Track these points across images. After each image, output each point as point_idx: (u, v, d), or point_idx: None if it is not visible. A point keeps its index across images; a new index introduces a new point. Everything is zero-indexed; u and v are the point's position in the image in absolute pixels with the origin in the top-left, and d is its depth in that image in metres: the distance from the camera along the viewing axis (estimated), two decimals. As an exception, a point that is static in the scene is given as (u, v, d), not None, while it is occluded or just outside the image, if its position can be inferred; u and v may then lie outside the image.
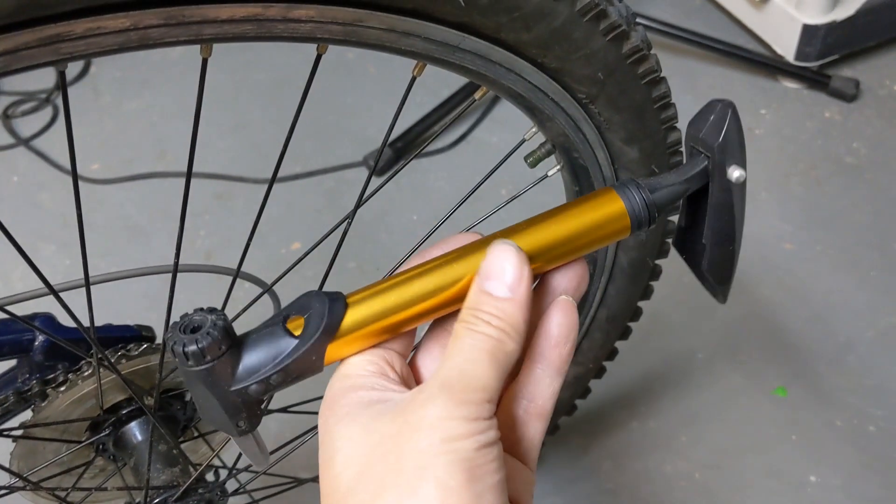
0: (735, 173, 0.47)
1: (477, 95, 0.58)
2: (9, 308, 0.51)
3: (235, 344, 0.40)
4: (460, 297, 0.42)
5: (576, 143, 0.60)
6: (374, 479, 0.35)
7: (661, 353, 1.30)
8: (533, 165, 0.64)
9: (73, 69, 1.95)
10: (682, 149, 0.67)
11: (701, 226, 0.50)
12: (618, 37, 0.52)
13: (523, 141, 0.62)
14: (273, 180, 0.54)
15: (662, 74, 0.59)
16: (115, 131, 1.80)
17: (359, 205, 0.59)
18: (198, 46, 0.41)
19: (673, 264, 0.82)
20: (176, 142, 1.75)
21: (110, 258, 1.48)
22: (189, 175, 0.45)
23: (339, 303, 0.41)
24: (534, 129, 0.62)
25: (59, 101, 1.87)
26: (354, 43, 0.44)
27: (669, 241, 0.78)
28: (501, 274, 0.40)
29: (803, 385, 1.25)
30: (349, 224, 0.62)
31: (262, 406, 0.43)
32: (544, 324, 0.45)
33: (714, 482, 1.15)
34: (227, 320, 0.39)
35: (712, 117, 0.48)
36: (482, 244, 0.43)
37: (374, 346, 0.42)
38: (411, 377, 0.44)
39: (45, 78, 1.92)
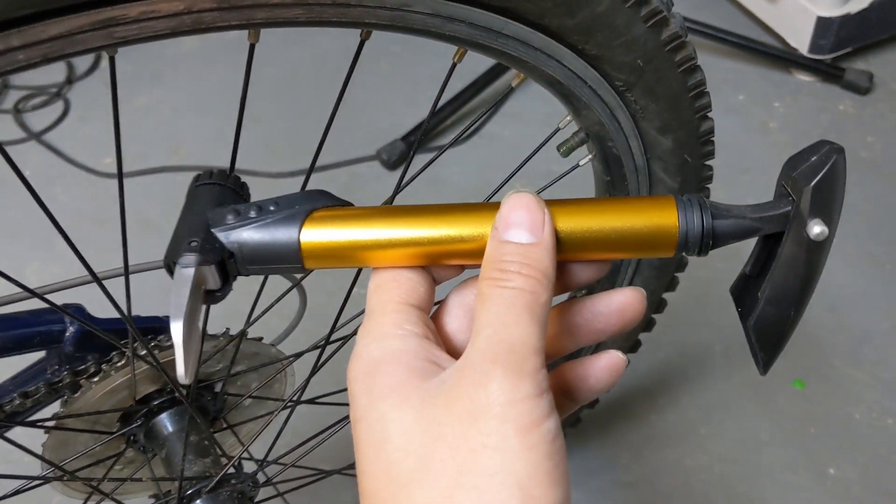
0: (815, 229, 0.40)
1: (514, 83, 0.57)
2: (45, 295, 0.51)
3: (234, 187, 0.41)
4: (472, 249, 0.40)
5: (610, 132, 0.60)
6: (445, 476, 0.33)
7: (679, 346, 1.30)
8: (566, 154, 0.64)
9: (83, 64, 1.94)
10: (714, 138, 0.68)
11: (764, 277, 0.44)
12: (658, 23, 0.52)
13: (558, 129, 0.61)
14: (310, 172, 0.54)
15: (698, 62, 0.59)
16: (127, 126, 1.80)
17: (393, 198, 0.59)
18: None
19: (691, 259, 0.82)
20: (190, 136, 1.75)
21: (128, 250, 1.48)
22: (234, 157, 0.45)
23: (324, 198, 0.42)
24: (568, 118, 0.61)
25: (70, 95, 1.87)
26: (400, 28, 0.44)
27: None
28: (521, 220, 0.38)
29: (821, 378, 1.25)
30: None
31: (229, 275, 0.40)
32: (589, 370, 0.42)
33: (732, 475, 1.15)
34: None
35: (814, 158, 0.42)
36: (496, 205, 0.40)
37: (397, 301, 0.39)
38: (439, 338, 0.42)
39: (56, 72, 1.92)
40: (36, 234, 1.49)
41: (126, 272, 0.49)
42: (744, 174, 1.55)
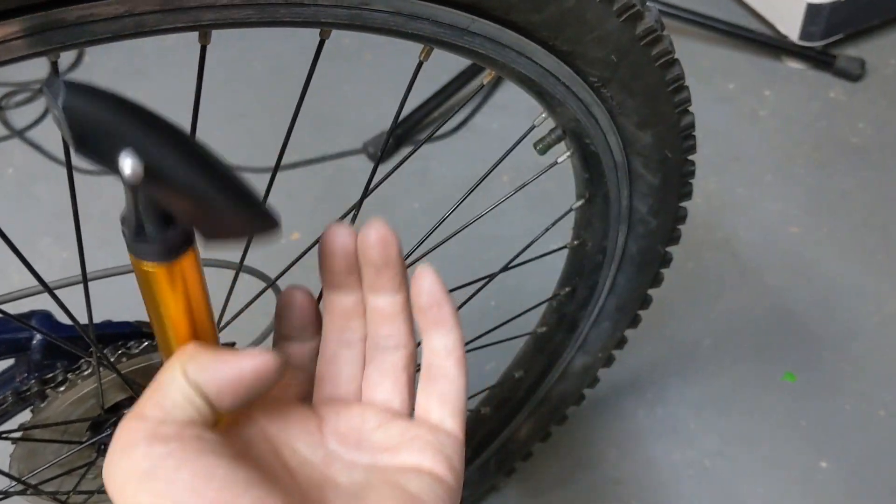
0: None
1: (484, 80, 0.56)
2: (3, 307, 0.49)
3: None
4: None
5: (587, 129, 0.58)
6: None
7: (668, 341, 1.29)
8: (543, 152, 0.62)
9: (66, 59, 1.92)
10: (695, 133, 0.66)
11: None
12: (631, 17, 0.50)
13: (533, 127, 0.60)
14: (276, 170, 0.52)
15: (676, 56, 0.57)
16: (110, 121, 1.77)
17: (365, 195, 0.58)
18: (195, 34, 0.39)
19: (679, 250, 0.80)
20: (172, 131, 1.73)
21: (107, 249, 1.46)
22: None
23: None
24: (543, 115, 0.60)
25: (53, 92, 1.84)
26: (359, 27, 0.42)
27: (680, 227, 0.77)
28: None
29: (811, 371, 1.24)
30: (356, 215, 0.60)
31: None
32: None
33: (723, 470, 1.14)
34: None
35: None
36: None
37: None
38: None
39: (38, 69, 1.89)
40: (17, 233, 1.47)
41: (84, 279, 0.47)
42: (734, 162, 1.54)
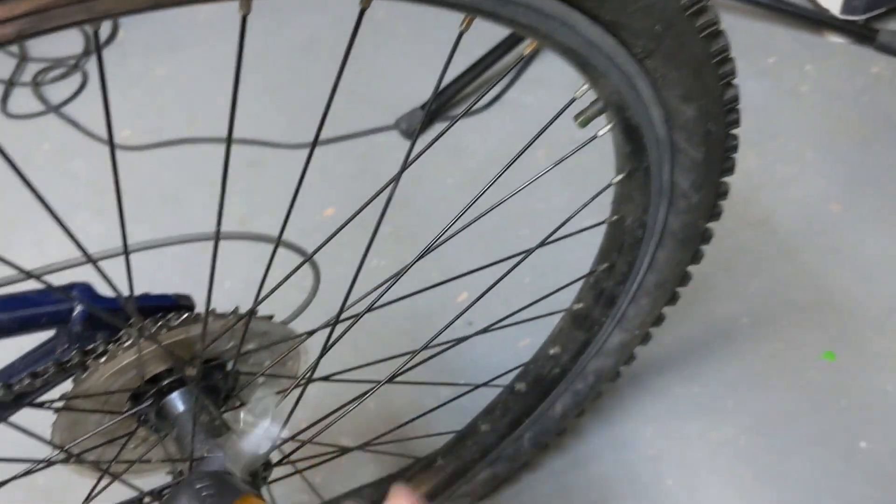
0: None
1: (525, 51, 0.55)
2: (45, 278, 0.49)
3: None
4: None
5: (630, 101, 0.57)
6: None
7: (705, 318, 1.27)
8: (583, 125, 0.61)
9: (101, 33, 1.93)
10: (739, 106, 0.64)
11: None
12: (678, -14, 0.49)
13: (573, 100, 0.59)
14: (313, 147, 0.52)
15: (721, 27, 0.56)
16: (144, 97, 1.78)
17: (403, 168, 0.57)
18: (232, 6, 0.38)
19: (717, 227, 0.79)
20: (206, 107, 1.73)
21: (144, 225, 1.48)
22: (230, 139, 0.43)
23: None
24: (585, 87, 0.59)
25: (89, 67, 1.86)
26: (402, -5, 0.42)
27: (722, 203, 0.75)
28: None
29: (851, 349, 1.22)
30: (394, 190, 0.60)
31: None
32: None
33: (760, 448, 1.13)
34: None
35: None
36: None
37: None
38: None
39: (74, 44, 1.91)
40: (54, 207, 1.49)
41: (126, 251, 0.47)
42: (773, 140, 1.51)
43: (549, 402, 0.98)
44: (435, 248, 0.67)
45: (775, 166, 1.46)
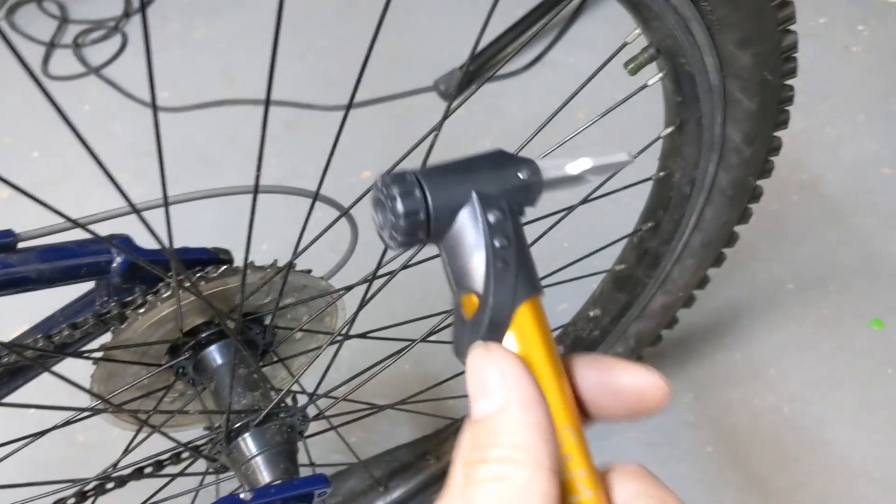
0: None
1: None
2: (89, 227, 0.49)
3: None
4: None
5: (683, 47, 0.55)
6: None
7: (749, 283, 1.24)
8: (634, 72, 0.59)
9: (139, -3, 1.93)
10: (796, 54, 0.62)
11: None
12: (740, -81, 0.46)
13: (625, 44, 0.56)
14: (349, 107, 0.50)
15: (782, -33, 0.53)
16: (183, 59, 1.78)
17: (441, 123, 0.55)
18: None
19: (763, 190, 0.76)
20: (244, 69, 1.73)
21: (181, 186, 1.47)
22: (268, 97, 0.41)
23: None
24: (637, 31, 0.56)
25: (128, 29, 1.86)
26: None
27: (774, 158, 0.73)
28: (480, 385, 0.29)
29: (901, 317, 1.18)
30: (432, 145, 0.58)
31: None
32: None
33: (803, 416, 1.11)
34: None
35: None
36: None
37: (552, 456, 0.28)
38: None
39: (113, 5, 1.91)
40: (95, 168, 1.50)
41: (165, 203, 0.46)
42: (823, 102, 1.46)
43: (589, 364, 0.96)
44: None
45: (824, 129, 1.42)
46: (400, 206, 0.31)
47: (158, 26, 1.86)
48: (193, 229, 1.26)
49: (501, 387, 0.29)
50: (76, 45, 1.83)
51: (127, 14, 1.89)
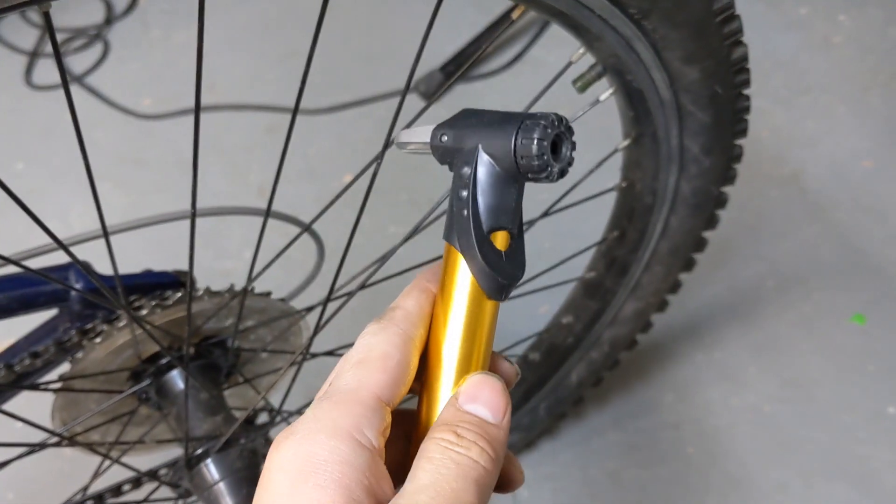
0: None
1: (514, 15, 0.52)
2: (44, 258, 0.48)
3: None
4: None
5: (629, 65, 0.54)
6: None
7: (728, 282, 1.24)
8: (582, 90, 0.58)
9: (121, 3, 1.92)
10: (748, 66, 0.61)
11: None
12: (673, -59, 0.46)
13: (570, 64, 0.56)
14: (294, 114, 0.50)
15: (726, -17, 0.53)
16: (164, 65, 1.77)
17: (390, 135, 0.55)
18: None
19: (743, 187, 0.76)
20: (225, 74, 1.72)
21: (165, 195, 1.47)
22: (197, 108, 0.41)
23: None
24: (581, 51, 0.56)
25: (110, 37, 1.85)
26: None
27: (736, 167, 0.72)
28: (488, 399, 0.36)
29: (883, 312, 1.18)
30: (379, 160, 0.58)
31: None
32: None
33: (784, 415, 1.11)
34: None
35: None
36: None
37: (376, 392, 0.35)
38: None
39: (94, 13, 1.90)
40: (76, 178, 1.50)
41: (105, 233, 0.46)
42: (803, 95, 1.45)
43: (564, 371, 0.96)
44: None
45: (805, 122, 1.41)
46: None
47: (139, 32, 1.85)
48: (175, 241, 1.27)
49: (504, 413, 0.36)
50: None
51: (108, 21, 1.88)
